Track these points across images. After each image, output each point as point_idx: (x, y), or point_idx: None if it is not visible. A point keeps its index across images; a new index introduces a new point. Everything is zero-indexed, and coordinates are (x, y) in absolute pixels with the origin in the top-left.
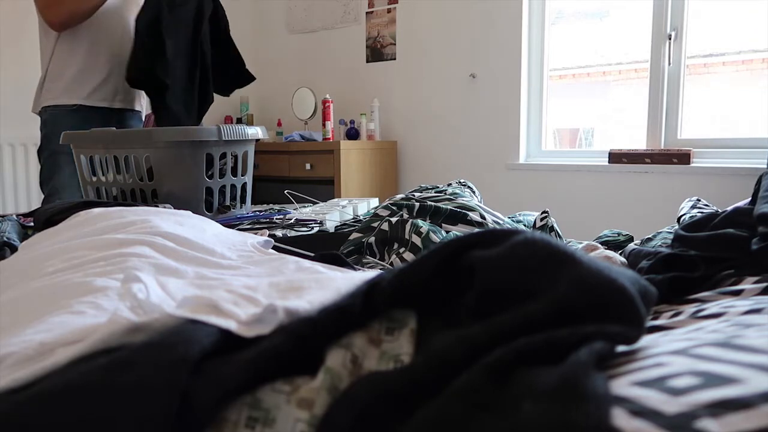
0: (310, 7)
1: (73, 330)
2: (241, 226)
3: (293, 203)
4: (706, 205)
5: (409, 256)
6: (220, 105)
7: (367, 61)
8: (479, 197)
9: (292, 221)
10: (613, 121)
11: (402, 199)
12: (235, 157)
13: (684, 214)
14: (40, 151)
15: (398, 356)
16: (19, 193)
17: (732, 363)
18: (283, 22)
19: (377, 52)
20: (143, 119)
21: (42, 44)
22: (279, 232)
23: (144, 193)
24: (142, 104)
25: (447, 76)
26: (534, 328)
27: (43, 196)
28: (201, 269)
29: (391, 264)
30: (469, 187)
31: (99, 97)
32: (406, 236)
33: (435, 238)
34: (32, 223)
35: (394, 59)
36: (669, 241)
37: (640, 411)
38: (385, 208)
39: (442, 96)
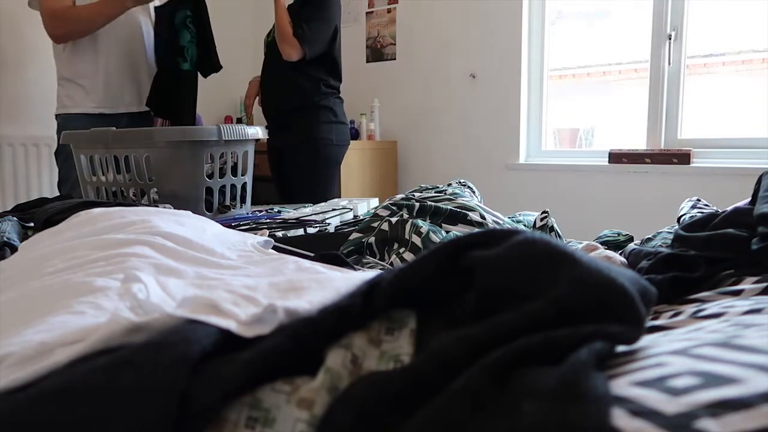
0: None
1: (73, 330)
2: (240, 227)
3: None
4: (706, 205)
5: (409, 256)
6: (220, 105)
7: (367, 61)
8: (479, 197)
9: (292, 221)
10: (613, 121)
11: (402, 199)
12: (236, 157)
13: (684, 214)
14: (57, 153)
15: (398, 356)
16: (19, 192)
17: (732, 363)
18: None
19: (377, 52)
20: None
21: (55, 49)
22: (279, 232)
23: (144, 193)
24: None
25: (447, 76)
26: (534, 328)
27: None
28: (201, 269)
29: (391, 264)
30: (469, 187)
31: (113, 103)
32: (406, 236)
33: (435, 238)
34: (32, 223)
35: (394, 59)
36: (669, 241)
37: (640, 411)
38: (385, 208)
39: (442, 96)
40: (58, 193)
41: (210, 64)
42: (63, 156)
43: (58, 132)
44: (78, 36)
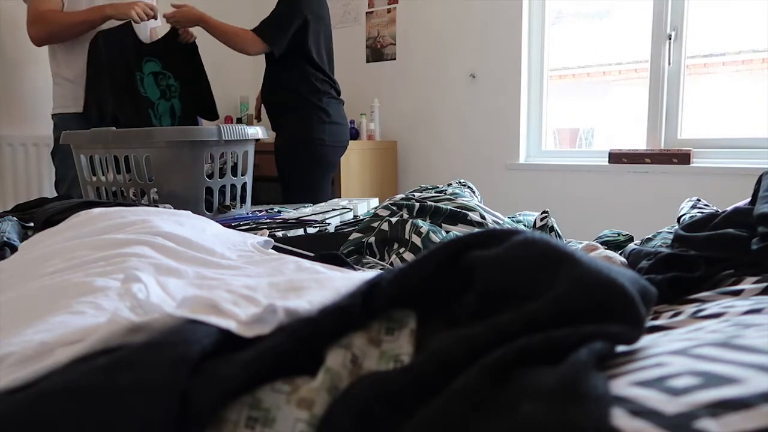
0: None
1: (73, 330)
2: (240, 227)
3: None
4: (706, 205)
5: (409, 256)
6: (221, 105)
7: (367, 61)
8: (479, 197)
9: (291, 221)
10: (613, 121)
11: (402, 199)
12: (236, 157)
13: (684, 214)
14: (53, 153)
15: (398, 356)
16: (19, 192)
17: (732, 363)
18: None
19: (377, 52)
20: None
21: (50, 49)
22: (279, 232)
23: (144, 193)
24: None
25: (447, 76)
26: (534, 328)
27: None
28: (201, 269)
29: (391, 264)
30: (469, 187)
31: None
32: (406, 236)
33: (435, 238)
34: (32, 223)
35: (394, 59)
36: (669, 241)
37: (640, 411)
38: (385, 208)
39: (442, 96)
40: (56, 194)
41: (207, 110)
42: (60, 156)
43: (55, 132)
44: (57, 40)
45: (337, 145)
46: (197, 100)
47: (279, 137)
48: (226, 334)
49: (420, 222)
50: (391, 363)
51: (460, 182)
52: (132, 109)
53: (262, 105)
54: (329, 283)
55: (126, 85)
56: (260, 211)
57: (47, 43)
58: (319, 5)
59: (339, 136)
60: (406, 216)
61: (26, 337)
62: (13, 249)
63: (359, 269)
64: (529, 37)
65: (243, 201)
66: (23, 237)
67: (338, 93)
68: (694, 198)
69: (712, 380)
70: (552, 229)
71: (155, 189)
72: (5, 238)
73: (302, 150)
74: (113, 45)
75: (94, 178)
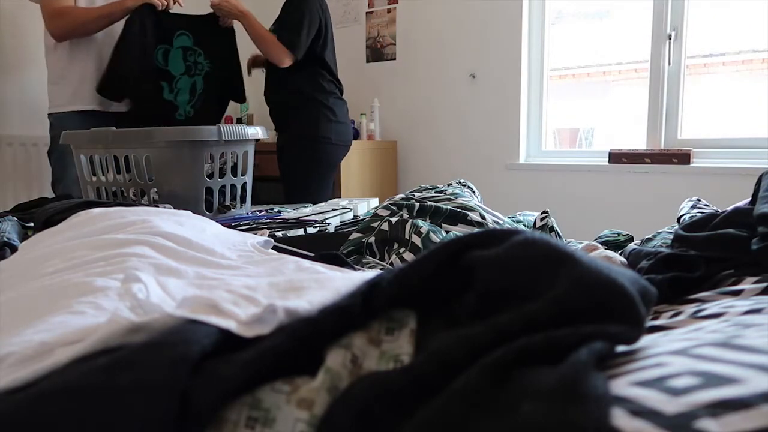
0: None
1: (73, 330)
2: (240, 227)
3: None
4: (706, 205)
5: (409, 256)
6: None
7: (367, 61)
8: (479, 197)
9: (292, 221)
10: (613, 121)
11: (402, 199)
12: (236, 157)
13: (684, 214)
14: (50, 153)
15: (398, 356)
16: (19, 192)
17: (732, 363)
18: None
19: (377, 52)
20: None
21: (46, 48)
22: (279, 232)
23: (144, 193)
24: None
25: (447, 76)
26: (534, 328)
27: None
28: (201, 269)
29: (391, 264)
30: (469, 187)
31: (105, 101)
32: (406, 236)
33: (435, 238)
34: (32, 223)
35: (394, 59)
36: (669, 241)
37: (640, 411)
38: (385, 208)
39: (442, 96)
40: (53, 194)
41: (236, 93)
42: (56, 155)
43: (51, 131)
44: (79, 35)
45: (342, 144)
46: (227, 82)
47: (283, 136)
48: (226, 334)
49: (420, 222)
50: (391, 363)
51: (460, 182)
52: (143, 79)
53: (254, 61)
54: (329, 283)
55: (140, 56)
56: (260, 211)
57: (69, 38)
58: (321, 4)
59: (344, 135)
60: (406, 216)
61: (26, 337)
62: (13, 249)
63: (359, 269)
64: (529, 37)
65: (243, 201)
66: (23, 237)
67: (341, 93)
68: (694, 198)
69: (712, 380)
70: (552, 229)
71: (155, 189)
72: (5, 238)
73: (308, 148)
74: (146, 17)
75: (94, 178)
